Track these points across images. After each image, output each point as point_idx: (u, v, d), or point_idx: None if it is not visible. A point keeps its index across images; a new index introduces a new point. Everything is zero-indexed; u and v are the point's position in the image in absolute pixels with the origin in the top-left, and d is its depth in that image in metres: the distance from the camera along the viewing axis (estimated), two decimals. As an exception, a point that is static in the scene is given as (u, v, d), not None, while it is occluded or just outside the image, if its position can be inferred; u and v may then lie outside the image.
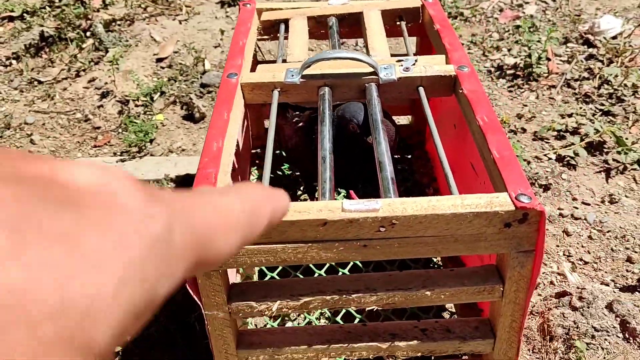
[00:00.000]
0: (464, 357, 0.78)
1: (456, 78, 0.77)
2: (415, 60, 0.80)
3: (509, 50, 1.50)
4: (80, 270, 0.11)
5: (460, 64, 0.78)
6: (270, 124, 0.73)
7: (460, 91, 0.74)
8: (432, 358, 0.73)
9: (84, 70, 1.56)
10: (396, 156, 1.16)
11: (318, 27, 0.98)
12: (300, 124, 0.89)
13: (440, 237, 0.57)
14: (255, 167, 1.09)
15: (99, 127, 1.37)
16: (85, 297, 0.11)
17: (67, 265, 0.10)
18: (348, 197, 1.04)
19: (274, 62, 0.94)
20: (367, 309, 0.63)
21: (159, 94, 1.45)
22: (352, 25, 0.98)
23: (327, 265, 0.89)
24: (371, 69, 0.77)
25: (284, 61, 0.87)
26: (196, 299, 0.58)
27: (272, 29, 0.99)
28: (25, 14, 1.80)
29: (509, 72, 1.42)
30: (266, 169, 0.66)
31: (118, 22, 1.74)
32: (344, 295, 0.61)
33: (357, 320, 0.84)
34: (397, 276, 0.62)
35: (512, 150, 0.62)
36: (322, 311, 0.90)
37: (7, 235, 0.10)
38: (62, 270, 0.10)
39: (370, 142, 0.80)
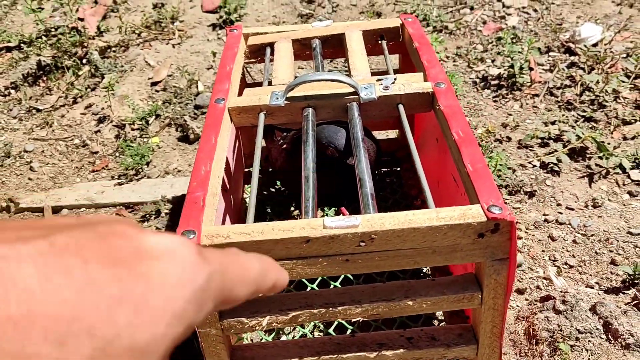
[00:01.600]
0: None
1: (434, 94, 0.80)
2: (395, 79, 0.84)
3: (492, 61, 1.54)
4: (144, 324, 0.18)
5: (437, 80, 0.82)
6: (257, 145, 0.77)
7: (437, 107, 0.78)
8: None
9: (81, 96, 1.60)
10: (385, 169, 1.19)
11: (303, 49, 1.02)
12: (284, 146, 0.92)
13: (418, 249, 0.60)
14: (249, 186, 1.12)
15: (96, 152, 1.41)
16: (146, 340, 0.18)
17: (137, 321, 0.17)
18: (339, 213, 1.08)
19: (261, 84, 0.98)
20: (354, 320, 0.66)
21: (154, 117, 1.49)
22: (335, 46, 1.02)
23: (319, 278, 0.92)
24: (352, 89, 0.81)
25: (270, 83, 0.91)
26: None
27: (259, 53, 1.03)
28: (22, 44, 1.85)
29: (493, 82, 1.46)
30: (253, 190, 0.69)
31: (113, 49, 1.78)
32: (331, 308, 0.64)
33: (348, 331, 0.86)
34: (381, 288, 0.65)
35: (485, 163, 0.66)
36: (316, 324, 0.93)
37: (108, 305, 0.17)
38: (133, 326, 0.17)
39: (351, 163, 0.84)
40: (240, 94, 0.89)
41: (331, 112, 0.83)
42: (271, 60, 1.00)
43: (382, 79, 0.84)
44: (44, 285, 0.16)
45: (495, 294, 0.63)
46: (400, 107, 0.81)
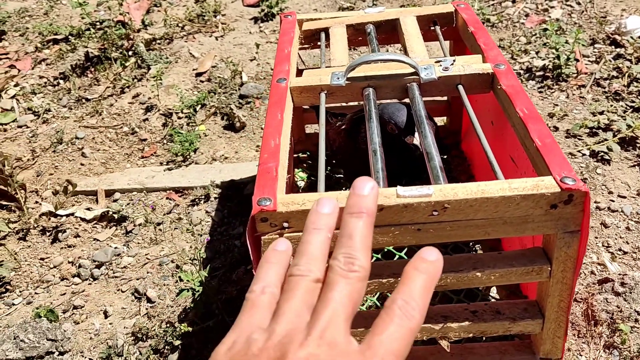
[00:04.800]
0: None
1: (494, 75, 0.81)
2: (454, 60, 0.85)
3: (536, 53, 1.53)
4: None
5: (496, 62, 0.83)
6: (320, 125, 0.78)
7: (499, 87, 0.78)
8: (484, 339, 0.76)
9: (128, 87, 1.64)
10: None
11: (356, 34, 1.03)
12: (343, 127, 0.94)
13: (490, 219, 0.61)
14: (300, 170, 1.14)
15: (145, 139, 1.45)
16: None
17: None
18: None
19: (316, 68, 1.00)
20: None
21: (200, 106, 1.52)
22: (388, 31, 1.03)
23: (385, 250, 0.93)
24: (412, 70, 0.82)
25: (327, 67, 0.93)
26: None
27: (313, 38, 1.05)
28: (70, 36, 1.90)
29: (538, 73, 1.46)
30: (320, 171, 0.69)
31: (158, 41, 1.82)
32: (398, 278, 0.65)
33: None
34: (449, 259, 0.66)
35: (554, 138, 0.66)
36: (377, 305, 0.94)
37: None
38: None
39: (409, 142, 0.84)
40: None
41: (391, 92, 0.84)
42: (326, 46, 1.02)
43: (440, 61, 0.85)
44: None
45: (564, 267, 0.63)
46: (460, 87, 0.82)
